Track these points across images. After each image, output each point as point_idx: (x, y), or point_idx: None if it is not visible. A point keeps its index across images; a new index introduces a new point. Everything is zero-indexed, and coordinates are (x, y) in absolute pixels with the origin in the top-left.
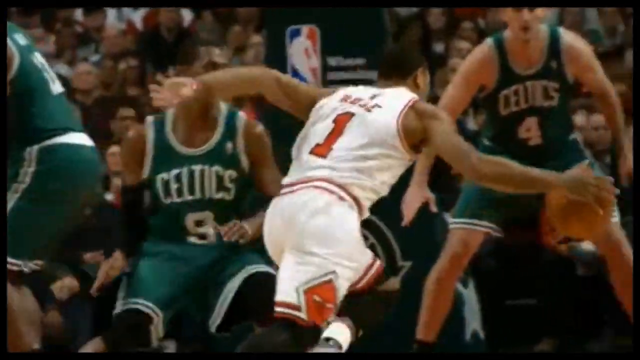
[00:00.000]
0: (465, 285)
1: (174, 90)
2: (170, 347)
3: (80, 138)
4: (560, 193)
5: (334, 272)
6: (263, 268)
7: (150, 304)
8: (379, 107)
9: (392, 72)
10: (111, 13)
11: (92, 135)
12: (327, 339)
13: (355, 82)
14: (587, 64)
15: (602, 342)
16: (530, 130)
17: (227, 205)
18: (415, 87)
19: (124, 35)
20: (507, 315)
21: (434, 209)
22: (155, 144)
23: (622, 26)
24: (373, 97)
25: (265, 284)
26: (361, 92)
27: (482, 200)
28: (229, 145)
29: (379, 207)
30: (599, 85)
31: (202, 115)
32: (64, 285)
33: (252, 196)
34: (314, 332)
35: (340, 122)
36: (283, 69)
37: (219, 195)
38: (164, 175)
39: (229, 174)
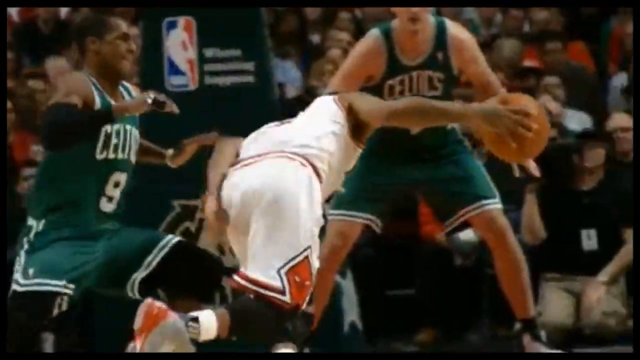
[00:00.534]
0: (343, 276)
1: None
2: (49, 339)
3: None
4: (477, 123)
5: (309, 247)
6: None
7: (61, 283)
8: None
9: None
10: None
11: None
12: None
13: (231, 73)
14: (471, 56)
15: (480, 332)
16: None
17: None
18: None
19: None
20: (386, 305)
21: None
22: None
23: (499, 16)
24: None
25: (190, 254)
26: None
27: (360, 191)
28: None
29: None
30: (482, 76)
31: None
32: None
33: None
34: (294, 313)
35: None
36: (159, 61)
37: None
38: (107, 128)
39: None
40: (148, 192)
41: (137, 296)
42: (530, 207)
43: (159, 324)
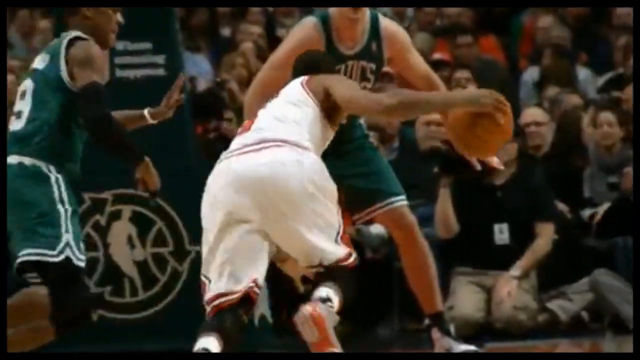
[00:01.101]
0: None
1: None
2: None
3: None
4: (462, 110)
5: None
6: None
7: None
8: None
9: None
10: None
11: None
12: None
13: (142, 66)
14: (406, 47)
15: (391, 326)
16: None
17: None
18: None
19: None
20: (295, 299)
21: None
22: None
23: (411, 10)
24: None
25: None
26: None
27: None
28: None
29: (169, 192)
30: (421, 65)
31: None
32: None
33: None
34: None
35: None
36: None
37: None
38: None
39: None
40: None
41: None
42: (444, 202)
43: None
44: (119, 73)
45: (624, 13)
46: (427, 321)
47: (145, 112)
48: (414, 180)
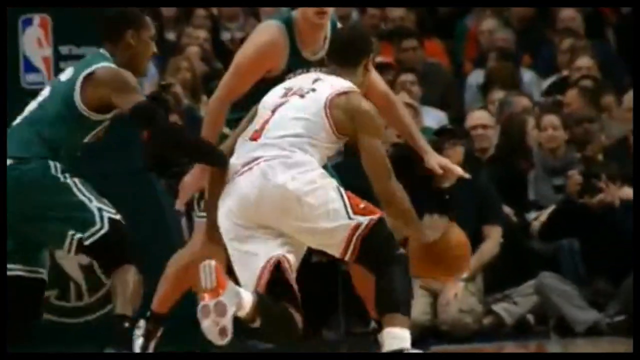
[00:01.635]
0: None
1: None
2: None
3: None
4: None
5: (338, 188)
6: None
7: None
8: (314, 91)
9: (338, 59)
10: None
11: None
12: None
13: None
14: None
15: (336, 329)
16: None
17: None
18: (363, 75)
19: None
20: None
21: (180, 206)
22: None
23: (356, 13)
24: (315, 81)
25: None
26: (304, 80)
27: None
28: None
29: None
30: (377, 85)
31: None
32: None
33: None
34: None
35: (276, 111)
36: (15, 59)
37: None
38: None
39: None
40: None
41: None
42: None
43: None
44: None
45: (568, 16)
46: (373, 324)
47: None
48: (360, 183)
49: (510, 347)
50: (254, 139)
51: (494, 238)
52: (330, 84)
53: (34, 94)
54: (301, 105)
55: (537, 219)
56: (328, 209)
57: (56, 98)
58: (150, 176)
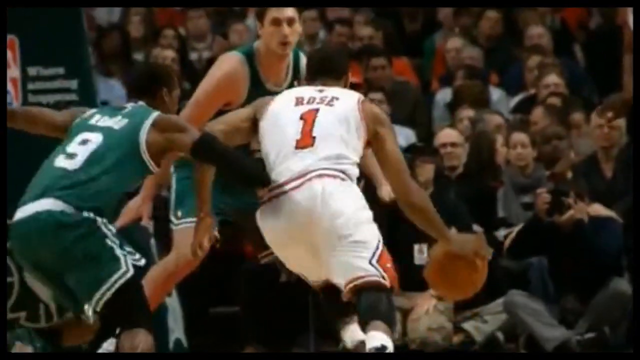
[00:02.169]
0: (168, 294)
1: None
2: None
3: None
4: (446, 248)
5: (379, 239)
6: None
7: None
8: (337, 99)
9: (325, 75)
10: None
11: None
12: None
13: (55, 91)
14: None
15: (306, 347)
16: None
17: None
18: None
19: None
20: (211, 322)
21: (145, 220)
22: None
23: (323, 32)
24: (321, 91)
25: None
26: (309, 91)
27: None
28: None
29: None
30: None
31: None
32: None
33: None
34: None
35: (309, 118)
36: None
37: None
38: None
39: None
40: None
41: None
42: None
43: None
44: (32, 98)
45: (536, 34)
46: (342, 344)
47: None
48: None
49: None
50: (303, 146)
51: None
52: (338, 91)
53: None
54: (337, 112)
55: (508, 236)
56: (356, 244)
57: (115, 146)
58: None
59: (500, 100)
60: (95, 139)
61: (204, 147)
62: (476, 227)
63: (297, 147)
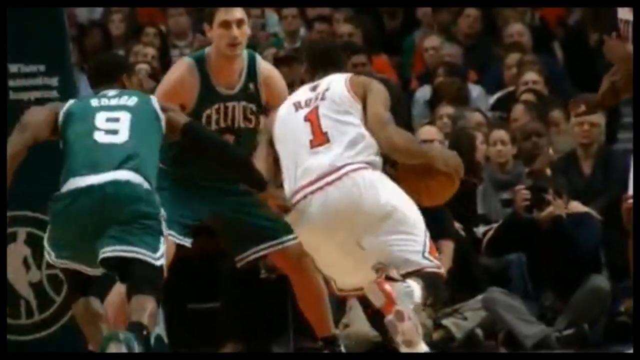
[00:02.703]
0: None
1: None
2: None
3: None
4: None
5: (425, 230)
6: None
7: None
8: (327, 90)
9: (325, 66)
10: None
11: None
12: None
13: (36, 88)
14: (280, 92)
15: (286, 345)
16: None
17: None
18: None
19: None
20: (190, 319)
21: None
22: None
23: (304, 30)
24: (314, 88)
25: None
26: (305, 93)
27: (172, 217)
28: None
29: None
30: None
31: None
32: None
33: None
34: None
35: (313, 117)
36: None
37: None
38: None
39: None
40: None
41: None
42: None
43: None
44: (13, 95)
45: (515, 31)
46: (320, 343)
47: None
48: None
49: None
50: (319, 144)
51: (446, 253)
52: (329, 79)
53: None
54: (333, 101)
55: (487, 233)
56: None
57: (143, 121)
58: None
59: (479, 98)
60: (124, 116)
61: (194, 128)
62: (455, 224)
63: (312, 147)
